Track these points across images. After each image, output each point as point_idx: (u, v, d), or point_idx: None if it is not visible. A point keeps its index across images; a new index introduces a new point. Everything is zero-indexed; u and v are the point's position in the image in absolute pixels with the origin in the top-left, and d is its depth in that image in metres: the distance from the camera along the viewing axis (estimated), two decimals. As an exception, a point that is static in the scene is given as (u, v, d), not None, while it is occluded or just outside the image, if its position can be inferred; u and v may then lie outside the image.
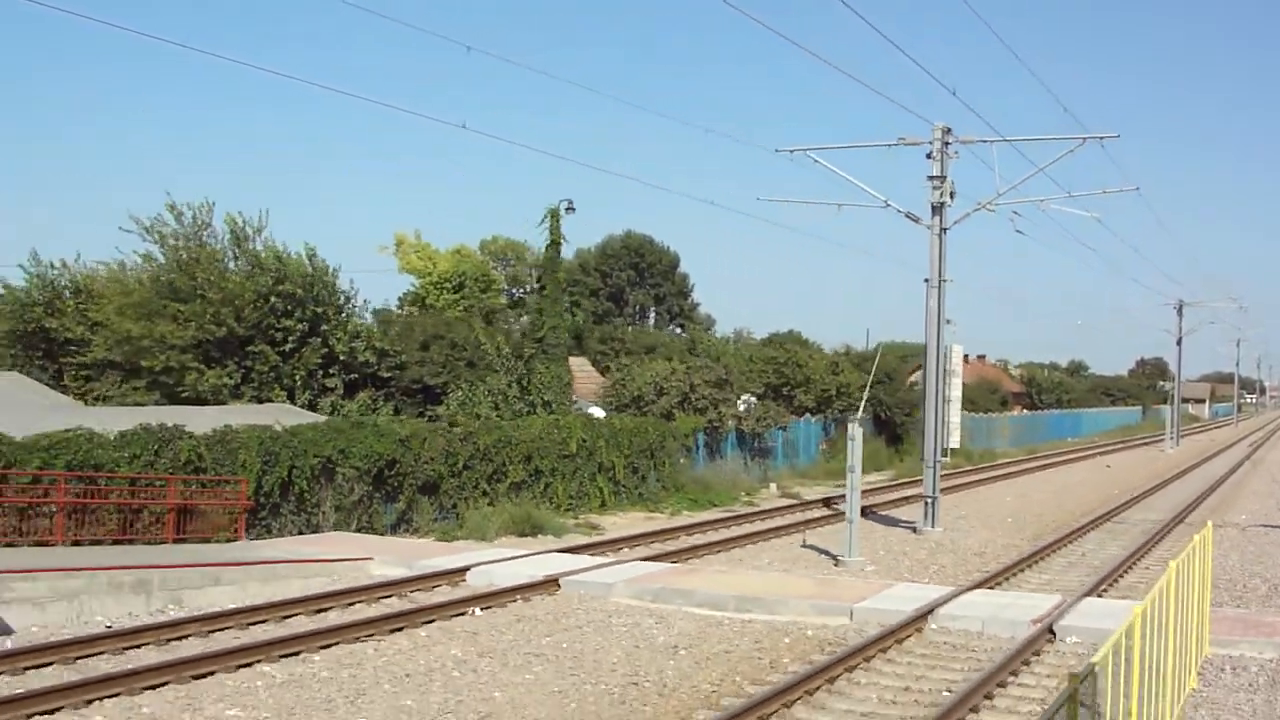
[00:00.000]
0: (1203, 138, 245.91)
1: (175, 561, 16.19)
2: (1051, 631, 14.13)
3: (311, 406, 33.32)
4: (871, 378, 23.25)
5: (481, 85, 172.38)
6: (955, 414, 24.93)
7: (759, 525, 25.52)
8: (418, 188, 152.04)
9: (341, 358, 34.37)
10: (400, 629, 14.01)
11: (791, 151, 24.80)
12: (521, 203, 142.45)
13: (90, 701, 10.71)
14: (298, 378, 33.99)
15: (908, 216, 24.31)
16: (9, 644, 12.96)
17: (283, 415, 26.27)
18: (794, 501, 32.78)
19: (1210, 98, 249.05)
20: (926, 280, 24.18)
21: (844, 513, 26.08)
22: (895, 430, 48.45)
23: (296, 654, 12.67)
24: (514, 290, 77.13)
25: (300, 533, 21.73)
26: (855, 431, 20.06)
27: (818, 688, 11.62)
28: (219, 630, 13.83)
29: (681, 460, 33.91)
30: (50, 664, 12.16)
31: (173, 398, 33.85)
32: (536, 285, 34.80)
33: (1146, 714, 8.72)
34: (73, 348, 37.44)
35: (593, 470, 29.53)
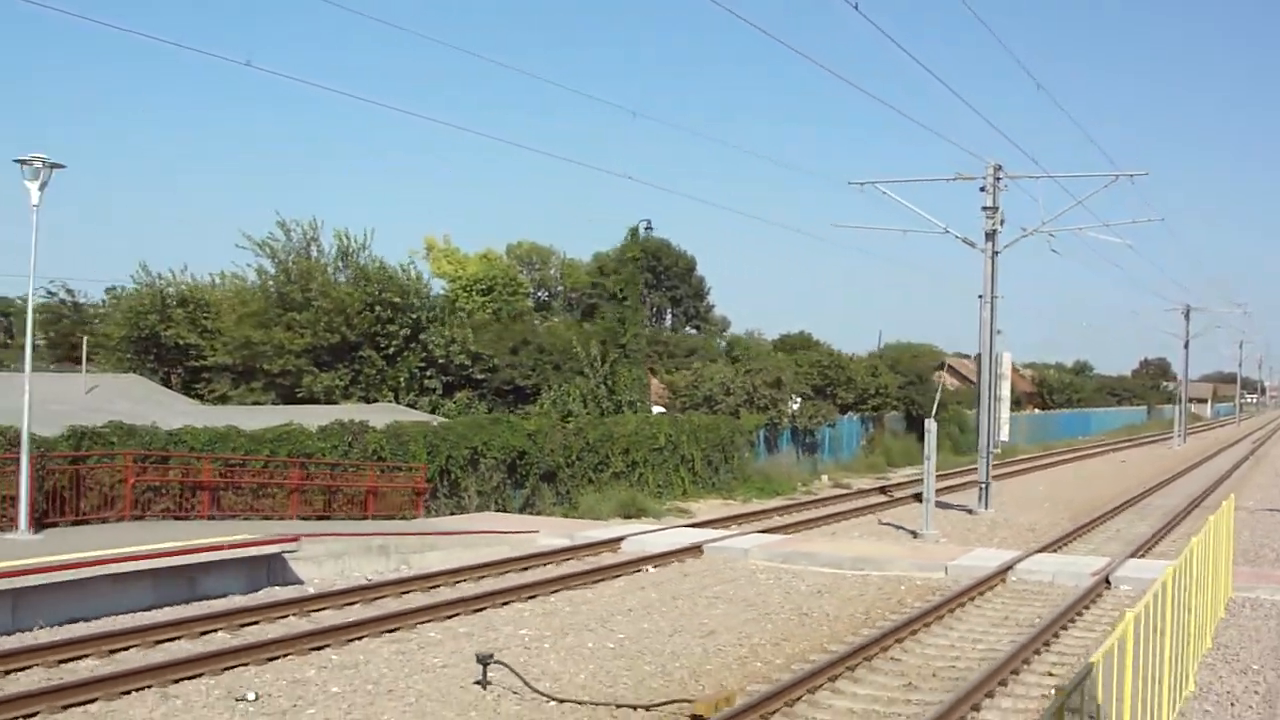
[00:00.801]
0: (1204, 139, 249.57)
1: (380, 531, 19.98)
2: (1107, 581, 17.99)
3: (412, 406, 37.13)
4: (939, 394, 26.85)
5: (478, 85, 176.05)
6: (1005, 411, 28.79)
7: (834, 509, 29.37)
8: (409, 188, 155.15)
9: (440, 360, 38.20)
10: (599, 581, 17.89)
11: (863, 184, 28.70)
12: (525, 205, 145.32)
13: (415, 625, 14.54)
14: (401, 379, 37.84)
15: (965, 242, 28.22)
16: (310, 590, 16.81)
17: (390, 414, 29.99)
18: (847, 491, 36.56)
19: (1209, 98, 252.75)
20: (980, 296, 28.06)
21: (901, 499, 30.06)
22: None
23: (535, 596, 16.53)
24: (540, 293, 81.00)
25: (451, 513, 25.56)
26: (931, 426, 23.90)
27: (941, 616, 15.48)
28: (460, 582, 17.67)
29: (746, 454, 37.78)
30: (354, 603, 16.01)
31: (288, 398, 37.68)
32: (620, 294, 38.52)
33: (1194, 627, 12.53)
34: (192, 351, 41.30)
35: (676, 462, 33.40)
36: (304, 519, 22.27)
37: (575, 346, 35.25)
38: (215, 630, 14.06)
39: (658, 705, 11.06)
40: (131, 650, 13.04)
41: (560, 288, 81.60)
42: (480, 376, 38.80)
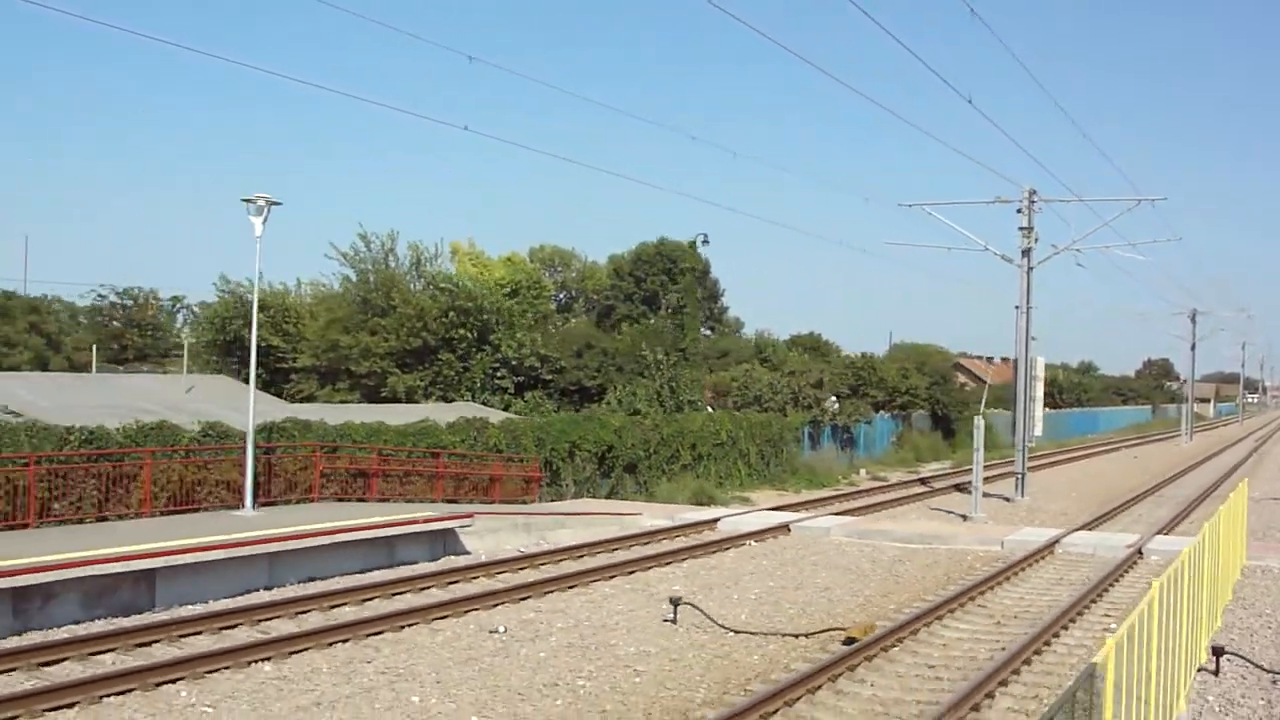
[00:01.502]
0: (1203, 139, 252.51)
1: (520, 511, 23.34)
2: (1140, 552, 21.39)
3: (485, 404, 40.49)
4: (985, 395, 30.24)
5: (477, 87, 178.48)
6: (1039, 410, 32.15)
7: (883, 497, 32.74)
8: (408, 188, 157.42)
9: (512, 362, 41.59)
10: (715, 552, 21.29)
11: (910, 205, 32.08)
12: (530, 208, 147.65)
13: (589, 584, 17.92)
14: (476, 380, 41.25)
15: (1003, 258, 31.61)
16: (483, 558, 20.20)
17: (469, 411, 33.24)
18: (886, 483, 39.93)
19: (1209, 98, 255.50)
20: (1017, 307, 31.44)
21: (940, 490, 33.41)
22: (950, 426, 55.76)
23: (670, 564, 19.92)
24: (561, 295, 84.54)
25: (553, 499, 28.91)
26: (980, 423, 27.25)
27: (1008, 577, 18.88)
28: (601, 554, 21.00)
29: (793, 448, 41.18)
30: (524, 568, 19.39)
31: (371, 397, 41.06)
32: (679, 305, 42.00)
33: (1221, 582, 15.90)
34: (273, 353, 44.75)
35: (735, 456, 36.81)
36: (443, 502, 25.68)
37: (644, 351, 38.57)
38: (429, 587, 17.45)
39: (815, 633, 14.47)
40: (376, 600, 16.44)
41: (580, 289, 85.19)
42: (548, 377, 42.19)
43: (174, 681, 11.83)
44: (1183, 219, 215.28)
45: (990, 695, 11.82)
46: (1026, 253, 31.25)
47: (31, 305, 50.89)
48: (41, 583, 14.36)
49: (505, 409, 39.72)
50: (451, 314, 41.25)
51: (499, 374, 41.50)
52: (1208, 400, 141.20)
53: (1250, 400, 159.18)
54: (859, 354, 54.44)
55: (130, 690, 11.47)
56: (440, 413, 31.61)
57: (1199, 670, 12.60)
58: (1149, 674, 9.20)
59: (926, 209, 31.89)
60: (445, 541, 20.52)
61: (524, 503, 26.57)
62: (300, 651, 13.23)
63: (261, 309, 46.57)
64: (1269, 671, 12.76)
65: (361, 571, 18.56)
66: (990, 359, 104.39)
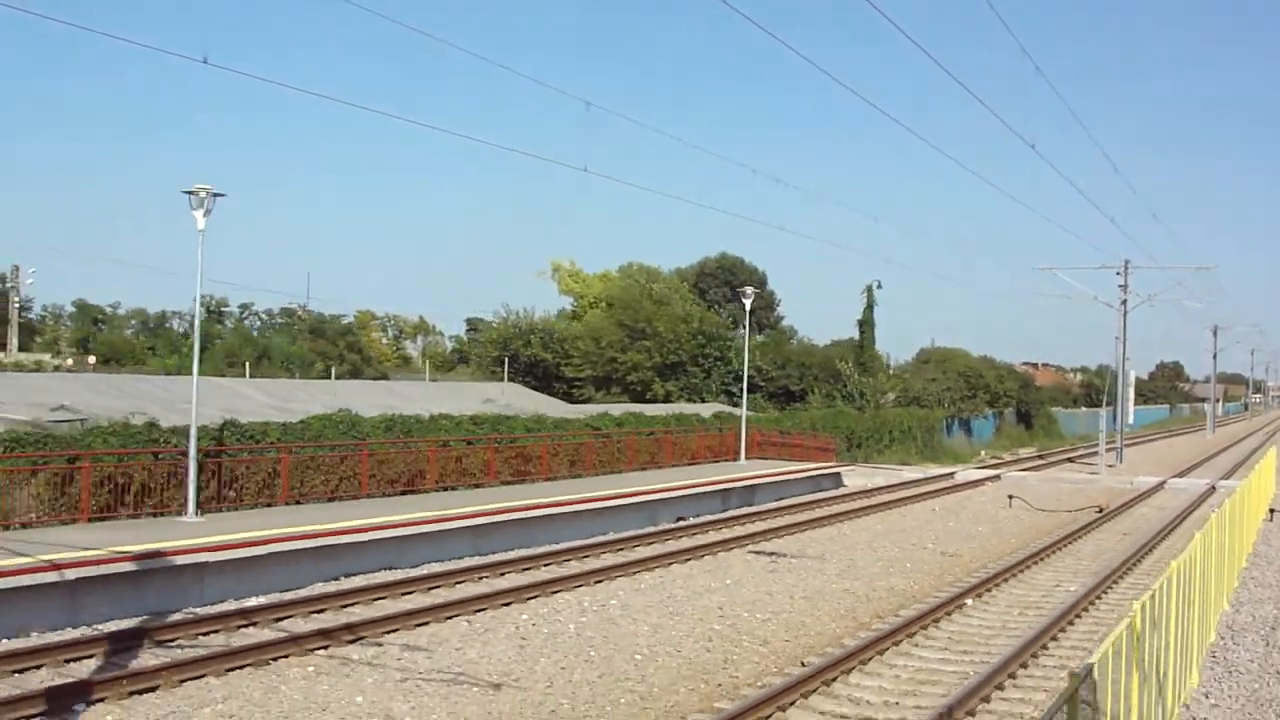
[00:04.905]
0: (1199, 134, 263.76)
1: (851, 465, 39.63)
2: (1213, 487, 37.89)
3: (717, 403, 56.88)
4: (1105, 398, 46.74)
5: (475, 89, 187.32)
6: (1131, 406, 48.66)
7: (1027, 465, 49.23)
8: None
9: (737, 371, 58.02)
10: (976, 487, 37.77)
11: (1043, 269, 48.57)
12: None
13: (938, 497, 34.41)
14: (714, 386, 57.79)
15: (1107, 305, 48.18)
16: (846, 490, 36.67)
17: (714, 410, 49.66)
18: (1004, 460, 56.24)
19: (1207, 99, 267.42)
20: (1117, 338, 48.02)
21: (1055, 462, 49.92)
22: (1030, 421, 72.43)
23: (956, 492, 36.42)
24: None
25: (825, 464, 45.29)
26: (1104, 413, 43.69)
27: (1148, 495, 35.40)
28: (921, 485, 37.42)
29: (938, 435, 57.74)
30: (891, 491, 35.81)
31: (637, 399, 57.51)
32: (859, 332, 58.53)
33: (1263, 495, 32.36)
34: (539, 366, 61.40)
35: (910, 440, 53.36)
36: (787, 460, 42.13)
37: (837, 363, 55.19)
38: (858, 499, 33.84)
39: (1079, 510, 30.98)
40: (828, 507, 32.80)
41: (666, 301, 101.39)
42: (762, 383, 58.70)
43: (826, 525, 28.20)
44: (1176, 212, 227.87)
45: (1174, 528, 28.26)
46: (1124, 302, 47.84)
47: (346, 327, 67.37)
48: (733, 489, 30.89)
49: (733, 407, 56.12)
50: (700, 338, 57.82)
51: (729, 381, 58.01)
52: (1218, 400, 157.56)
53: (1254, 400, 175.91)
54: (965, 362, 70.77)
55: (797, 531, 27.79)
56: (694, 410, 48.10)
57: (1263, 520, 29.06)
58: (1241, 517, 25.59)
59: (1056, 272, 48.47)
60: (836, 479, 37.09)
61: (825, 463, 43.04)
62: (859, 518, 29.60)
63: (532, 331, 63.60)
64: (1292, 520, 29.31)
65: (811, 493, 35.03)
66: (1035, 365, 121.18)
